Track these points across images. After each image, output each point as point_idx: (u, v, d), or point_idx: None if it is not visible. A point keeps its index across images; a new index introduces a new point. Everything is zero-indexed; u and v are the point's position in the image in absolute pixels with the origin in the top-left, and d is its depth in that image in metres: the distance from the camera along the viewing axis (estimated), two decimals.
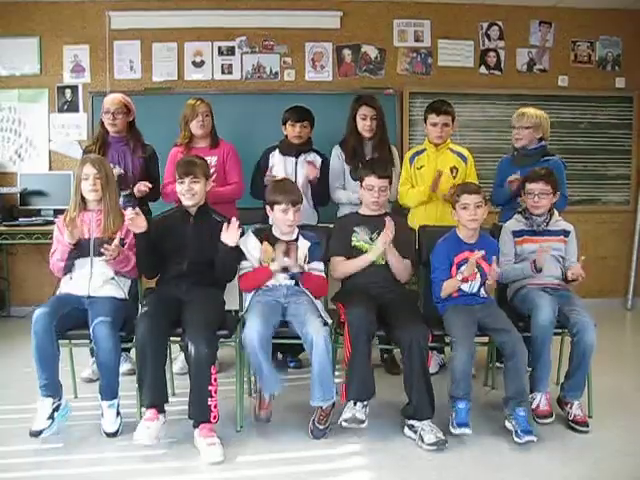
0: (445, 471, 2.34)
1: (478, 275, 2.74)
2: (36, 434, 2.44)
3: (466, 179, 3.33)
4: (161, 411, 2.49)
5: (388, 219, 2.77)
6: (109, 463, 2.38)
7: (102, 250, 2.61)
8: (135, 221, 2.60)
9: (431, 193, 3.29)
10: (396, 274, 2.89)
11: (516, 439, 2.49)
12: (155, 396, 2.49)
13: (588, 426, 2.64)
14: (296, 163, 3.46)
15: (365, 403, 2.55)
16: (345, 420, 2.50)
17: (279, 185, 2.89)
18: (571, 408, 2.69)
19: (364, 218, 2.95)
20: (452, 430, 2.54)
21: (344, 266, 2.89)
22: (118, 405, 2.59)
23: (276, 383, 2.56)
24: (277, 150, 3.50)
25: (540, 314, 2.63)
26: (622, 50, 5.01)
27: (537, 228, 2.90)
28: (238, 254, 2.76)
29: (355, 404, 2.52)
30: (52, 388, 2.52)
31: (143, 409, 2.50)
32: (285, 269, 2.72)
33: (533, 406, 2.63)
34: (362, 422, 2.50)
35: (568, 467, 2.36)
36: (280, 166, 3.45)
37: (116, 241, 2.62)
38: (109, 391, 2.56)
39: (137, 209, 2.65)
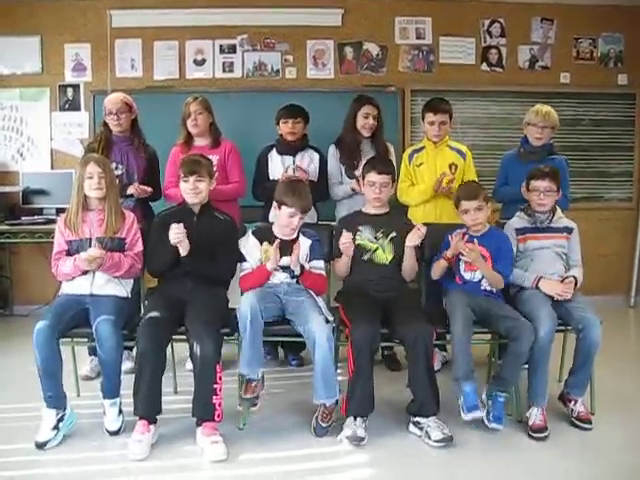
0: (447, 467, 2.35)
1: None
2: (41, 446, 2.43)
3: (465, 175, 3.33)
4: (152, 422, 2.49)
5: (420, 225, 2.78)
6: (111, 461, 2.38)
7: (81, 254, 2.59)
8: (179, 237, 2.60)
9: (433, 192, 3.28)
10: (405, 273, 2.89)
11: (487, 423, 2.54)
12: (148, 408, 2.48)
13: (591, 423, 2.64)
14: (294, 162, 3.45)
15: (365, 418, 2.55)
16: (347, 437, 2.49)
17: (294, 187, 2.79)
18: (575, 405, 2.68)
19: (368, 217, 2.94)
20: (463, 417, 2.53)
21: (340, 264, 2.89)
22: (120, 403, 2.59)
23: (257, 366, 2.53)
24: (274, 149, 3.49)
25: (539, 329, 2.57)
26: (624, 47, 4.98)
27: (540, 225, 2.89)
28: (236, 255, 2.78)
29: (355, 419, 2.52)
30: (57, 400, 2.51)
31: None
32: (283, 268, 2.71)
33: (530, 422, 2.58)
34: (362, 440, 2.49)
35: (571, 464, 2.37)
36: (278, 165, 3.44)
37: (97, 250, 2.58)
38: (111, 389, 2.56)
39: (180, 226, 2.62)
